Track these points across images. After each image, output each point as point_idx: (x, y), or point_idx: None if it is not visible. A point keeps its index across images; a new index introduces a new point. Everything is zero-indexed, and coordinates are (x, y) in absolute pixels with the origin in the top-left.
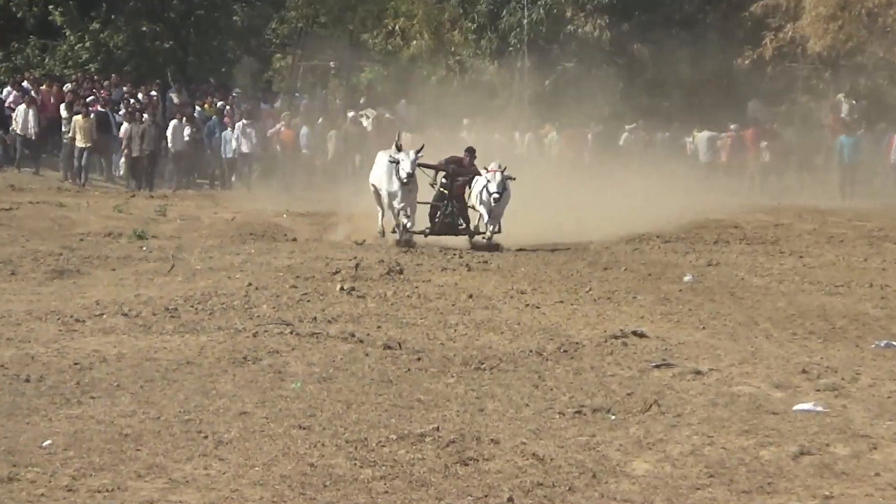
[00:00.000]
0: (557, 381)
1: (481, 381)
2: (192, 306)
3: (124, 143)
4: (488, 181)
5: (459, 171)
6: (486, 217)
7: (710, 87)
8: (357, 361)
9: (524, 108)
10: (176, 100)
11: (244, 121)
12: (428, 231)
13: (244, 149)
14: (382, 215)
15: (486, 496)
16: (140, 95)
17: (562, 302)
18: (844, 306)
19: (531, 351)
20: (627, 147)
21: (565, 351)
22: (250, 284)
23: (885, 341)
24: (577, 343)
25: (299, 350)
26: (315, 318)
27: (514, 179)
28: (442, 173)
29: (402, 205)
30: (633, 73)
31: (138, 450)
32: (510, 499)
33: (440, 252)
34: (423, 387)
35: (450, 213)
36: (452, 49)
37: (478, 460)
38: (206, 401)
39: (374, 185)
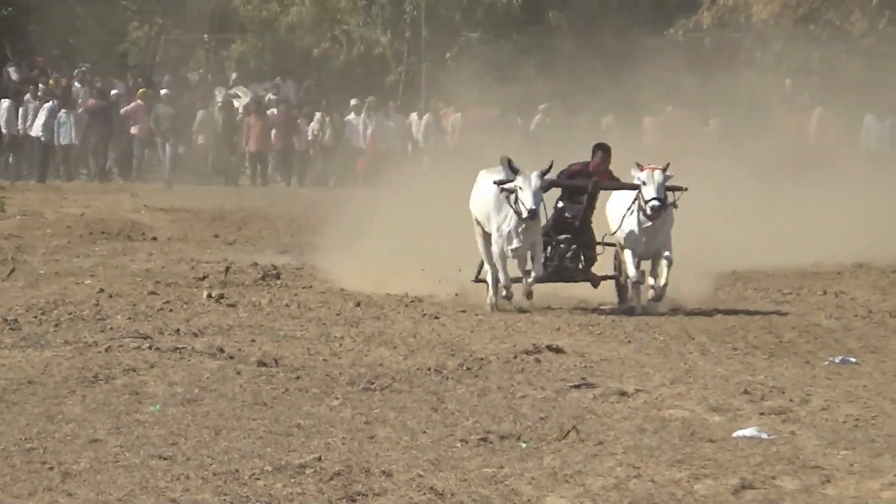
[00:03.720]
0: (460, 403)
1: (371, 404)
2: (34, 316)
3: None
4: (643, 183)
5: (601, 185)
6: (634, 251)
7: (639, 61)
8: (227, 381)
9: (421, 85)
10: (15, 76)
11: (51, 102)
12: (531, 277)
13: (44, 137)
14: (492, 271)
15: None
16: None
17: (464, 311)
18: (793, 317)
19: (429, 368)
20: (539, 131)
21: (469, 368)
22: (102, 291)
23: (840, 357)
24: (482, 359)
25: (159, 367)
26: (178, 330)
27: (685, 190)
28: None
29: (518, 247)
30: (549, 44)
31: None
32: None
33: None
34: (303, 410)
35: (571, 250)
36: (339, 17)
37: (367, 495)
38: (52, 426)
39: (477, 221)
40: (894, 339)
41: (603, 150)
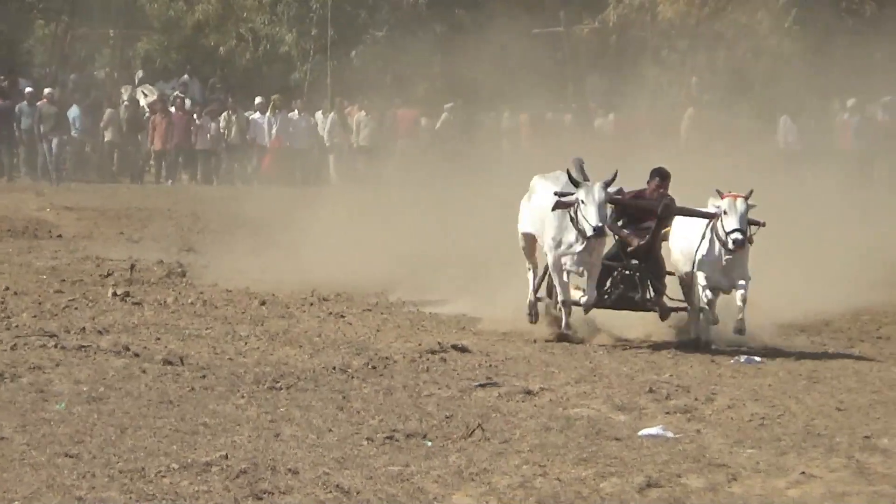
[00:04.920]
0: (365, 402)
1: (277, 403)
2: None
3: None
4: (724, 212)
5: (674, 208)
6: (708, 282)
7: (545, 60)
8: (132, 379)
9: (327, 84)
10: None
11: None
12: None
13: None
14: (537, 287)
15: None
16: None
17: (370, 310)
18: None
19: (335, 367)
20: (444, 130)
21: (374, 367)
22: (7, 289)
23: (745, 356)
24: (387, 358)
25: (65, 366)
26: (83, 328)
27: (763, 225)
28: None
29: (580, 268)
30: (455, 42)
31: None
32: None
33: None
34: (208, 409)
35: (639, 279)
36: (245, 15)
37: (273, 493)
38: None
39: (526, 236)
40: (799, 338)
41: (661, 175)
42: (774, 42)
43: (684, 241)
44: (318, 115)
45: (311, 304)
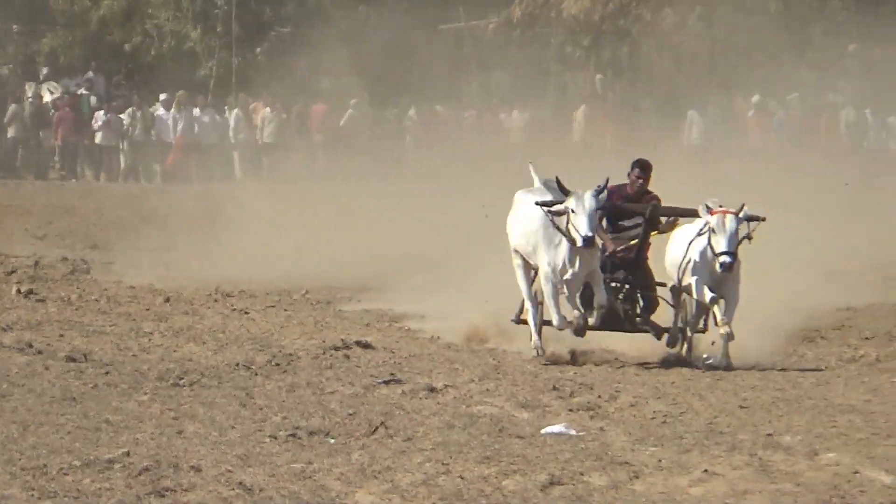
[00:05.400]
0: (269, 399)
1: (180, 399)
2: None
3: None
4: (712, 230)
5: (660, 210)
6: (707, 299)
7: (450, 55)
8: (35, 376)
9: (232, 80)
10: None
11: None
12: (574, 321)
13: None
14: (535, 316)
15: None
16: None
17: (273, 307)
18: None
19: (238, 364)
20: (350, 126)
21: (278, 364)
22: None
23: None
24: (291, 355)
25: None
26: None
27: (763, 220)
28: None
29: (572, 278)
30: (360, 39)
31: None
32: None
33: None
34: (112, 406)
35: (628, 292)
36: (149, 11)
37: (175, 491)
38: None
39: (517, 252)
40: (702, 337)
41: (641, 167)
42: (678, 39)
43: (679, 248)
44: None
45: (216, 301)
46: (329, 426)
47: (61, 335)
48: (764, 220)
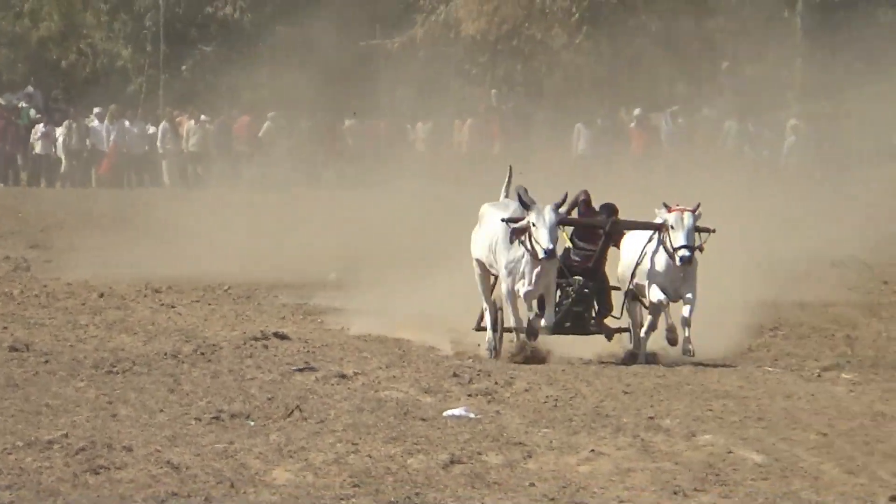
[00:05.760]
0: (194, 384)
1: (113, 385)
2: None
3: None
4: (671, 226)
5: (621, 223)
6: (657, 300)
7: (359, 72)
8: None
9: (159, 94)
10: None
11: None
12: (540, 323)
13: None
14: (493, 318)
15: None
16: None
17: (198, 301)
18: None
19: (166, 353)
20: (268, 137)
21: (202, 353)
22: None
23: None
24: (214, 345)
25: None
26: None
27: (713, 232)
28: (569, 229)
29: (530, 290)
30: (277, 57)
31: None
32: None
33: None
34: (51, 391)
35: (584, 296)
36: (84, 32)
37: (109, 469)
38: None
39: (478, 262)
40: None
41: (608, 210)
42: (567, 57)
43: (632, 253)
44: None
45: (145, 296)
46: (249, 409)
47: (4, 327)
48: (714, 231)
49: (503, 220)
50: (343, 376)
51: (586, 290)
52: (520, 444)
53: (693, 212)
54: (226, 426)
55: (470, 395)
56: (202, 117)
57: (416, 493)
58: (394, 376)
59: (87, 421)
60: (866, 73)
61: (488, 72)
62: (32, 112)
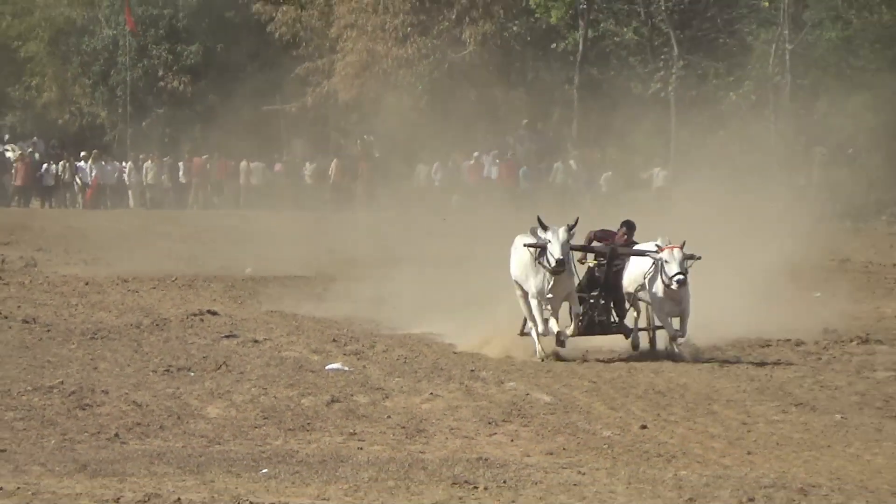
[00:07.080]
0: (152, 347)
1: (95, 348)
2: None
3: None
4: (665, 261)
5: (622, 250)
6: (651, 312)
7: (266, 128)
8: (2, 332)
9: (127, 142)
10: None
11: None
12: (566, 333)
13: None
14: (536, 328)
15: (98, 432)
16: None
17: (155, 288)
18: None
19: (132, 325)
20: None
21: (157, 325)
22: None
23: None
24: (166, 319)
25: None
26: None
27: (699, 259)
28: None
29: (552, 297)
30: (207, 117)
31: None
32: (116, 434)
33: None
34: (51, 352)
35: (602, 306)
36: (74, 99)
37: (92, 406)
38: None
39: (517, 283)
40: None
41: (628, 226)
42: (414, 115)
43: (634, 268)
44: (129, 163)
45: (117, 285)
46: (190, 364)
47: (18, 306)
48: (700, 258)
49: (525, 245)
50: (256, 341)
51: (602, 301)
52: (380, 388)
53: (681, 248)
54: (174, 376)
55: (345, 354)
56: (165, 159)
57: (308, 423)
58: (292, 341)
59: (76, 372)
60: (622, 129)
61: (357, 126)
62: (37, 156)
